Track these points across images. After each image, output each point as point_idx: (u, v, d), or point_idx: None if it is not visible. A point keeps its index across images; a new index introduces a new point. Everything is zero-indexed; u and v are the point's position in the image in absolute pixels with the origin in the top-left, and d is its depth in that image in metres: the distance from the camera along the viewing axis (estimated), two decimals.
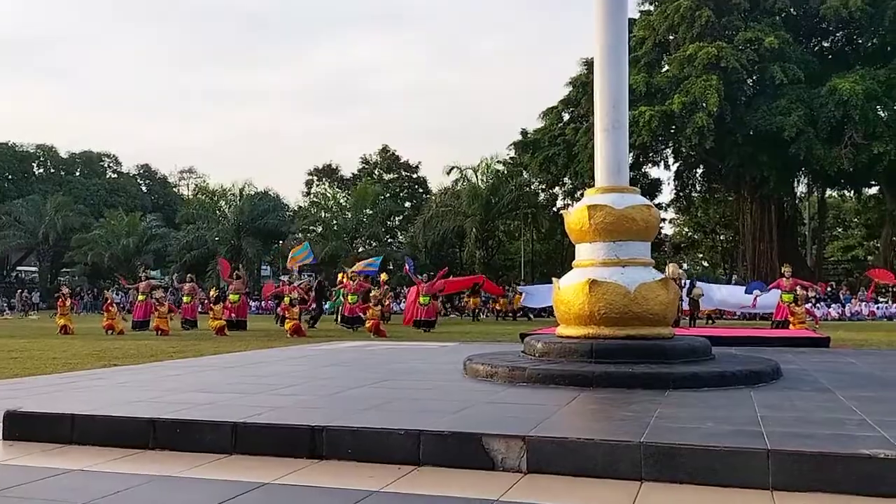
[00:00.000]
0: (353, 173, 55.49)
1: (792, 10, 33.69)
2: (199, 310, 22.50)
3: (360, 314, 19.54)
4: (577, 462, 3.94)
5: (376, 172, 54.56)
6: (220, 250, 42.95)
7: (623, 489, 3.72)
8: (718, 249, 52.51)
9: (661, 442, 3.92)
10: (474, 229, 41.00)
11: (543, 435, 4.10)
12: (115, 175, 61.82)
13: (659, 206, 46.71)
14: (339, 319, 22.18)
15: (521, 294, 29.53)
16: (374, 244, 46.24)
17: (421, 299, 21.59)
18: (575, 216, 7.25)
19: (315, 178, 55.99)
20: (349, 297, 20.89)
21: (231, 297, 21.72)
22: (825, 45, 35.96)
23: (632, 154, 36.28)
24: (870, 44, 33.35)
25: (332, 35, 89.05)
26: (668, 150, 38.51)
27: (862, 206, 46.55)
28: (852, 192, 41.19)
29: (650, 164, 40.76)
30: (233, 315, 20.69)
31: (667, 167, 40.99)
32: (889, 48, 32.40)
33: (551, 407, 5.10)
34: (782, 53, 30.81)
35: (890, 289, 30.61)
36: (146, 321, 20.26)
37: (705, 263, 54.72)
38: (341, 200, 48.16)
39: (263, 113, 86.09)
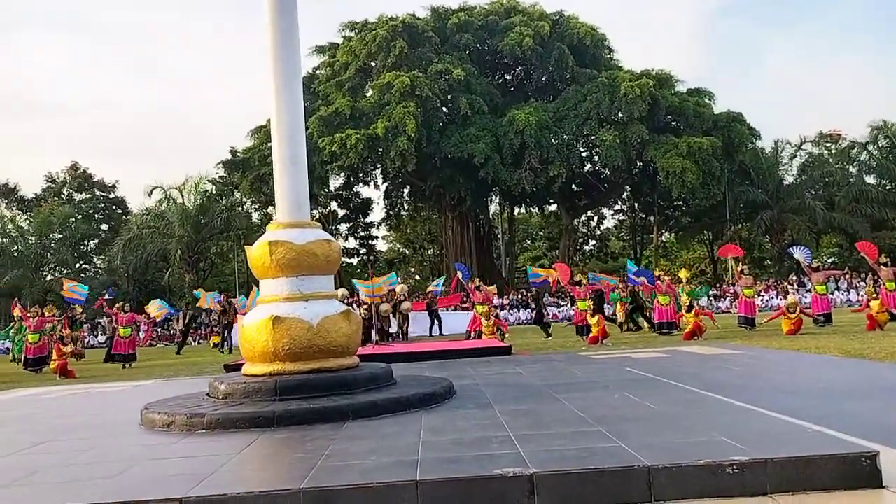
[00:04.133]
0: (35, 193, 49.62)
1: (478, 45, 37.15)
2: None
3: (45, 354, 17.56)
4: None
5: (65, 192, 49.33)
6: None
7: None
8: (427, 264, 55.78)
9: (319, 487, 4.00)
10: (180, 251, 38.80)
11: (202, 494, 3.96)
12: None
13: (371, 223, 48.60)
14: (22, 362, 19.53)
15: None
16: (64, 271, 41.58)
17: (121, 331, 19.83)
18: (257, 252, 7.18)
19: None
20: (29, 337, 18.59)
21: None
22: (507, 78, 40.20)
23: (343, 175, 37.28)
24: (542, 79, 37.99)
25: (6, 38, 78.32)
26: (377, 172, 40.08)
27: (544, 221, 52.89)
28: (536, 209, 46.63)
29: (361, 185, 42.18)
30: None
31: (377, 187, 42.75)
32: (557, 83, 37.20)
33: (224, 457, 4.96)
34: (469, 85, 33.81)
35: (568, 294, 34.96)
36: None
37: (417, 277, 57.77)
38: (22, 224, 42.89)
39: None
